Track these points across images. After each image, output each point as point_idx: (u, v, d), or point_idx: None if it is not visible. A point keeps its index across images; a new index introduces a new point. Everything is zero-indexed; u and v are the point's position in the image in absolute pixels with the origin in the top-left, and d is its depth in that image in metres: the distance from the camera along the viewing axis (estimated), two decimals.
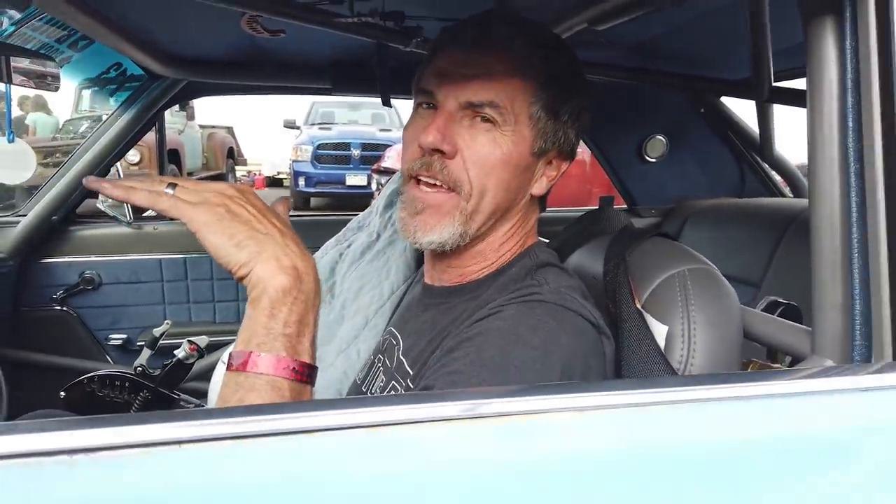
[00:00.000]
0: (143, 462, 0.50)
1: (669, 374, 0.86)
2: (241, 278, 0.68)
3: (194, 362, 1.64)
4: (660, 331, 0.90)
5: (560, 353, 0.79)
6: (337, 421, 0.56)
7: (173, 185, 0.70)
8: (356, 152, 9.93)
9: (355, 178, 9.81)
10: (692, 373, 0.88)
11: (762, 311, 1.04)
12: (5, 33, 1.46)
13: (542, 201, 1.02)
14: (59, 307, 2.27)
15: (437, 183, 0.91)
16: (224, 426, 0.53)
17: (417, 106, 0.96)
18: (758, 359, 1.01)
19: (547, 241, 1.08)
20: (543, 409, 0.61)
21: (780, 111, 2.24)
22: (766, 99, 1.97)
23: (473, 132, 0.90)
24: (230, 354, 0.67)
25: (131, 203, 0.71)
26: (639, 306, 0.93)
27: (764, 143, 2.39)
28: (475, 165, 0.89)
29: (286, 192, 11.29)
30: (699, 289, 0.91)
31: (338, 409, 0.58)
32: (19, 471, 0.48)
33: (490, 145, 0.89)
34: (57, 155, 6.42)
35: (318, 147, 9.98)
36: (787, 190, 2.62)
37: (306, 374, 0.67)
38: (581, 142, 1.03)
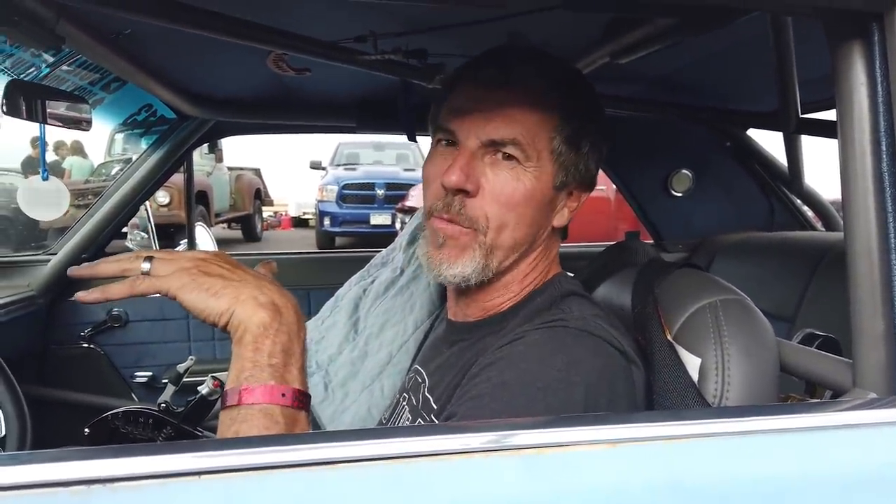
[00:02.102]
0: (160, 492, 0.49)
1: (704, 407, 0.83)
2: (225, 326, 0.70)
3: (218, 398, 1.63)
4: (692, 363, 0.87)
5: (584, 376, 0.78)
6: (359, 452, 0.54)
7: (150, 259, 0.72)
8: (381, 192, 10.06)
9: (380, 218, 9.91)
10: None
11: (799, 343, 1.00)
12: (41, 75, 1.51)
13: (563, 230, 1.01)
14: (86, 344, 2.28)
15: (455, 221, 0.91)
16: (243, 457, 0.52)
17: (437, 142, 0.96)
18: (796, 394, 0.98)
19: (572, 274, 1.07)
20: (575, 440, 0.59)
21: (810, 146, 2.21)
22: (793, 130, 1.94)
23: (496, 169, 0.89)
24: (223, 393, 0.68)
25: (110, 300, 0.72)
26: (670, 338, 0.91)
27: (793, 175, 2.36)
28: (496, 202, 0.89)
29: (311, 232, 11.40)
30: (732, 320, 0.88)
31: (361, 440, 0.57)
32: (35, 501, 0.47)
33: (514, 182, 0.89)
34: (88, 196, 6.57)
35: (344, 187, 10.13)
36: (818, 224, 2.57)
37: (298, 399, 0.68)
38: (607, 178, 1.03)
